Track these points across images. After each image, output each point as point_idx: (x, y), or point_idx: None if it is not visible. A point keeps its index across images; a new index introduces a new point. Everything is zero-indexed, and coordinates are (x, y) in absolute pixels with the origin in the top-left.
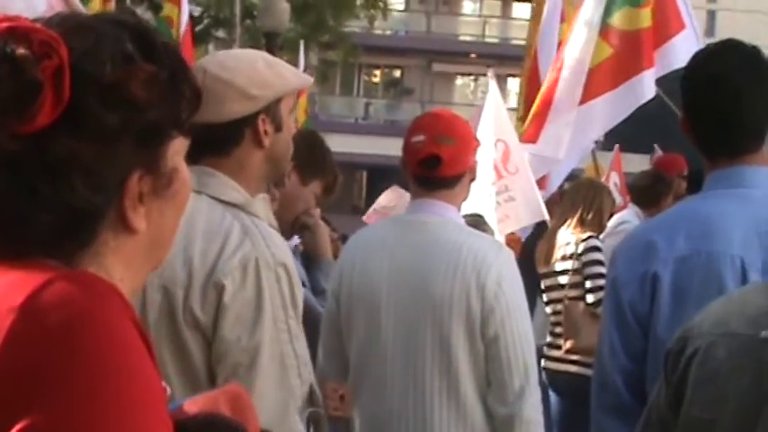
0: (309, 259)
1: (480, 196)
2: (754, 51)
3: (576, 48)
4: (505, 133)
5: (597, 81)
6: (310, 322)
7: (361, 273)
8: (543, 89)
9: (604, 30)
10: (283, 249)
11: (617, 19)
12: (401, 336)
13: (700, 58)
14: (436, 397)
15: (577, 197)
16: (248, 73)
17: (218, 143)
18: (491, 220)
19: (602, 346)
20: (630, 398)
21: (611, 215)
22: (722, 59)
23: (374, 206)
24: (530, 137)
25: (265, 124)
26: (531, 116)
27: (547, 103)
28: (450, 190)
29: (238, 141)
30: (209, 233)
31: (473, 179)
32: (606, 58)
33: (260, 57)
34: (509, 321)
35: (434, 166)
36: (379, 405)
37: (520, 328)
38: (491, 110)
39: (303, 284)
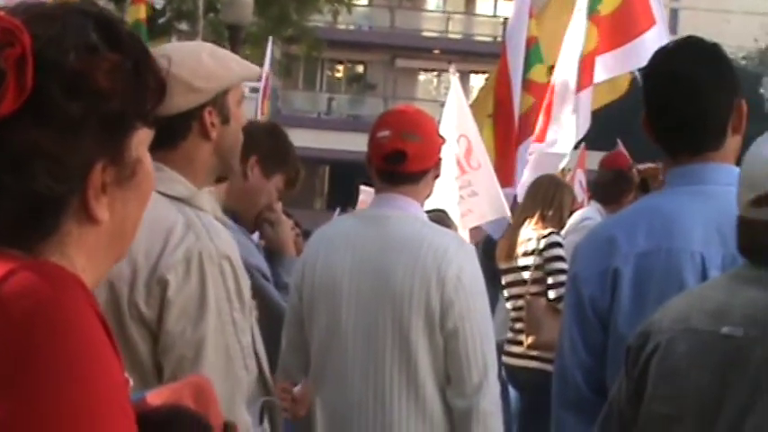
0: (271, 254)
1: (444, 191)
2: (714, 48)
3: (572, 37)
4: (468, 129)
5: (585, 71)
6: (274, 317)
7: (323, 266)
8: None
9: (594, 16)
10: (228, 242)
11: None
12: (361, 329)
13: (660, 56)
14: (396, 390)
15: (538, 194)
16: (193, 65)
17: (164, 136)
18: (454, 214)
19: (562, 342)
20: (590, 393)
21: (572, 212)
22: (682, 57)
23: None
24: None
25: (212, 116)
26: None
27: (548, 104)
28: (414, 185)
29: (185, 134)
30: (154, 228)
31: (437, 176)
32: (593, 48)
33: (205, 49)
34: (468, 315)
35: (399, 162)
36: (339, 398)
37: (480, 323)
38: (453, 105)
39: (266, 279)
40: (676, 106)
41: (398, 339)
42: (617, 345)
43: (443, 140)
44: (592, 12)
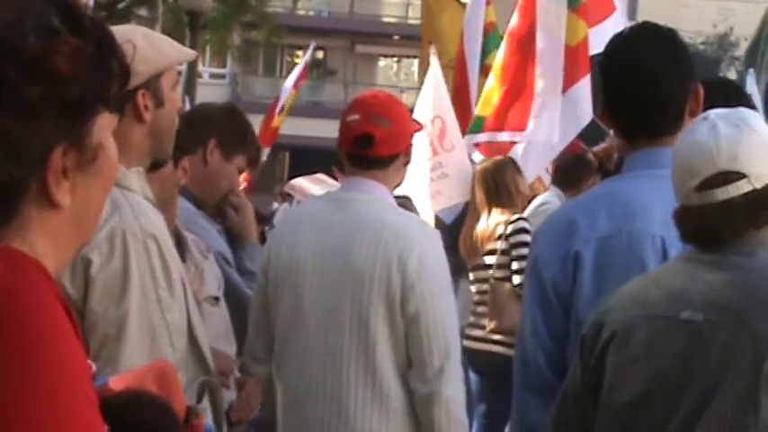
0: (233, 240)
1: (415, 172)
2: (669, 34)
3: (546, 28)
4: (444, 110)
5: (578, 62)
6: (236, 302)
7: (288, 248)
8: (509, 73)
9: (578, 8)
10: (154, 221)
11: None
12: (322, 312)
13: (616, 42)
14: (353, 373)
15: (482, 179)
16: (126, 48)
17: None
18: (424, 195)
19: (524, 326)
20: (553, 377)
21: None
22: (638, 43)
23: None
24: (516, 125)
25: (145, 99)
26: (508, 101)
27: (528, 87)
28: (383, 170)
29: (119, 117)
30: None
31: (408, 162)
32: (584, 37)
33: (139, 32)
34: (430, 299)
35: (367, 146)
36: (299, 380)
37: (442, 307)
38: (430, 87)
39: (228, 263)
40: (633, 92)
41: (357, 323)
42: (578, 329)
43: (417, 127)
44: (576, 4)
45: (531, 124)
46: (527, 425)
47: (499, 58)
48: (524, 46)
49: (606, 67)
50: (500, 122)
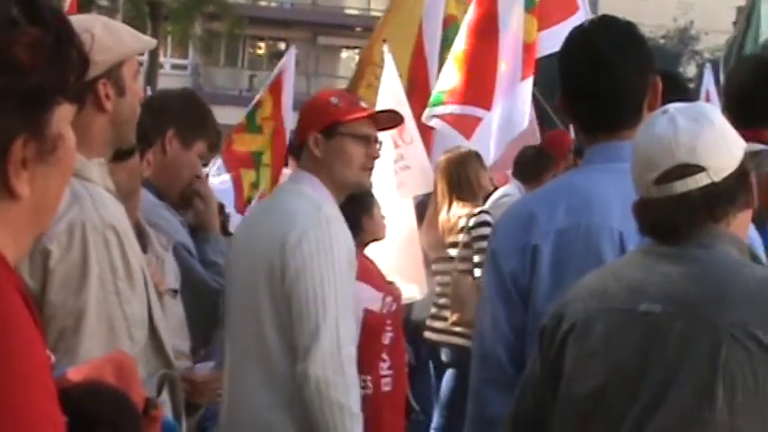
0: (196, 232)
1: (381, 165)
2: (628, 27)
3: (506, 19)
4: (401, 104)
5: (529, 60)
6: (200, 294)
7: (235, 240)
8: (470, 57)
9: (533, 9)
10: (114, 213)
11: None
12: (238, 299)
13: (574, 36)
14: (247, 357)
15: (445, 171)
16: (86, 38)
17: None
18: (391, 187)
19: (483, 319)
20: (513, 370)
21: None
22: (597, 36)
23: None
24: (481, 102)
25: (106, 88)
26: (471, 79)
27: (490, 70)
28: (301, 161)
29: (79, 107)
30: None
31: (316, 155)
32: (534, 40)
33: (99, 21)
34: (303, 277)
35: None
36: (226, 367)
37: (316, 286)
38: (388, 81)
39: (191, 254)
40: (592, 85)
41: (252, 306)
42: (537, 322)
43: (324, 116)
44: (531, 5)
45: (498, 105)
46: (485, 418)
47: (459, 47)
48: (486, 33)
49: (565, 61)
50: (463, 97)
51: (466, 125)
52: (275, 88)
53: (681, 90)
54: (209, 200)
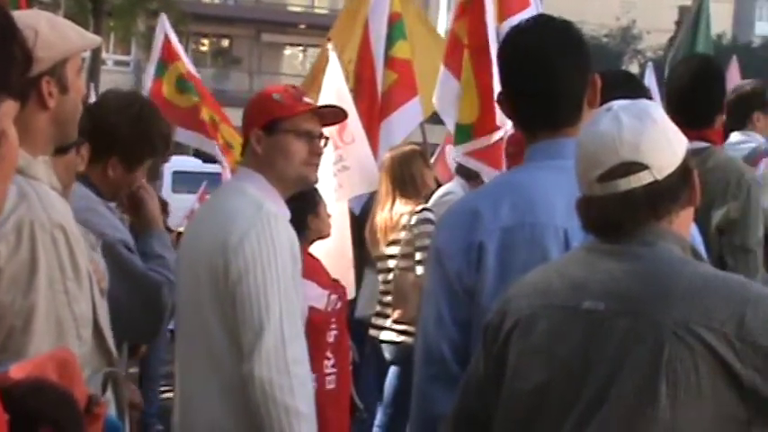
0: (140, 228)
1: (323, 166)
2: (565, 25)
3: (493, 33)
4: (344, 104)
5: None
6: (141, 287)
7: (182, 239)
8: (482, 81)
9: None
10: (62, 212)
11: None
12: (183, 300)
13: (513, 35)
14: (195, 358)
15: (390, 168)
16: (30, 35)
17: None
18: (330, 188)
19: (427, 316)
20: (457, 367)
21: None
22: (535, 35)
23: None
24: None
25: (50, 86)
26: (487, 106)
27: (491, 88)
28: (245, 159)
29: (22, 103)
30: None
31: (257, 151)
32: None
33: (43, 18)
34: (246, 277)
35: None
36: (177, 367)
37: (259, 285)
38: (332, 81)
39: (130, 250)
40: (531, 84)
41: (197, 306)
42: (481, 320)
43: (265, 113)
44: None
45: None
46: (429, 415)
47: (468, 74)
48: (481, 51)
49: (505, 59)
50: (487, 125)
51: (496, 155)
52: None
53: (633, 87)
54: (152, 197)
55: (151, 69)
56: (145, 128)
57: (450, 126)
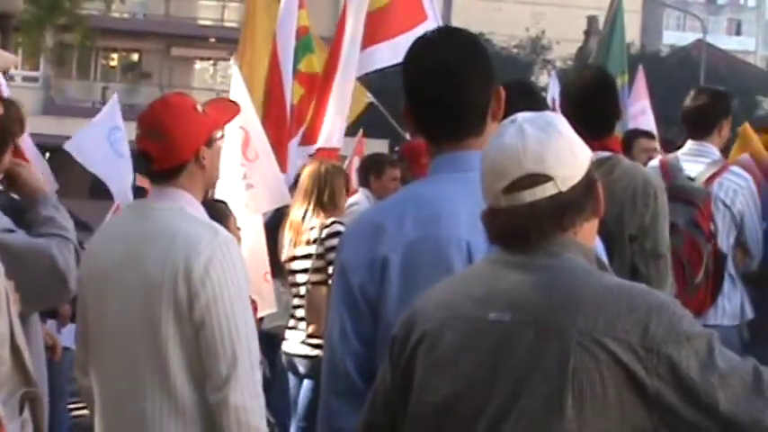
0: (24, 199)
1: (229, 183)
2: (470, 36)
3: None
4: (246, 120)
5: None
6: (33, 260)
7: (95, 256)
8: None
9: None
10: None
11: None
12: (120, 323)
13: (417, 47)
14: (148, 383)
15: (311, 181)
16: None
17: None
18: (239, 205)
19: (332, 330)
20: (361, 382)
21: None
22: (438, 47)
23: None
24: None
25: None
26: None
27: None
28: (174, 180)
29: None
30: None
31: (204, 165)
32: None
33: None
34: (216, 307)
35: (148, 162)
36: (105, 392)
37: (228, 314)
38: (234, 96)
39: (12, 230)
40: (434, 96)
41: (150, 334)
42: (386, 334)
43: (206, 127)
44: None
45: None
46: (335, 429)
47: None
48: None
49: (408, 72)
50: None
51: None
52: None
53: (534, 99)
54: (27, 168)
55: None
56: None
57: None
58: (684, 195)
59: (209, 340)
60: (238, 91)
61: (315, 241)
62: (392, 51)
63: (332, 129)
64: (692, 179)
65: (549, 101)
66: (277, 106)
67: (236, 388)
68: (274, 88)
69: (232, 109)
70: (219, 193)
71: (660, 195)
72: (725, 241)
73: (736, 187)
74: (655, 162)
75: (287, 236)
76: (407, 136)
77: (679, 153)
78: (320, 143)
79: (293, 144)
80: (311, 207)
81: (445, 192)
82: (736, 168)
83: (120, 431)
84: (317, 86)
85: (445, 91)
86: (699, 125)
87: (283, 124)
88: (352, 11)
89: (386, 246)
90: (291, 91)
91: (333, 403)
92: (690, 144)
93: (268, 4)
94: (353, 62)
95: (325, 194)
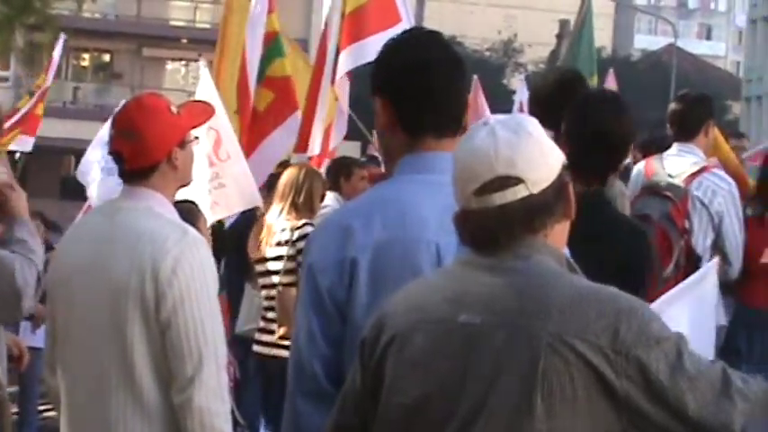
0: (3, 219)
1: (197, 183)
2: (438, 37)
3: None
4: (217, 120)
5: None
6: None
7: (63, 256)
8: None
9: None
10: None
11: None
12: (87, 324)
13: (396, 44)
14: (113, 385)
15: (287, 183)
16: None
17: None
18: (205, 206)
19: (299, 332)
20: (328, 384)
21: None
22: (422, 45)
23: None
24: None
25: None
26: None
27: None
28: (146, 180)
29: None
30: None
31: (176, 166)
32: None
33: None
34: (182, 308)
35: (120, 161)
36: (71, 393)
37: (195, 315)
38: (203, 97)
39: None
40: (424, 88)
41: (116, 334)
42: (354, 336)
43: (174, 132)
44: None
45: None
46: (300, 430)
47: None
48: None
49: (392, 66)
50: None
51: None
52: None
53: None
54: (19, 193)
55: None
56: None
57: None
58: (661, 190)
59: (174, 341)
60: (206, 91)
61: (286, 243)
62: (362, 51)
63: (315, 135)
64: (671, 176)
65: (516, 105)
66: (247, 111)
67: (200, 389)
68: (244, 93)
69: (207, 111)
70: (187, 193)
71: (620, 201)
72: (701, 242)
73: (715, 188)
74: (640, 165)
75: (259, 237)
76: (374, 140)
77: (665, 153)
78: (313, 151)
79: (265, 148)
80: (285, 208)
81: (412, 194)
82: (719, 171)
83: (85, 431)
84: (310, 94)
85: (435, 83)
86: (684, 128)
87: (253, 129)
88: (333, 18)
89: (354, 247)
90: (260, 96)
91: (299, 404)
92: (676, 146)
93: (241, 7)
94: (332, 67)
95: (302, 196)
